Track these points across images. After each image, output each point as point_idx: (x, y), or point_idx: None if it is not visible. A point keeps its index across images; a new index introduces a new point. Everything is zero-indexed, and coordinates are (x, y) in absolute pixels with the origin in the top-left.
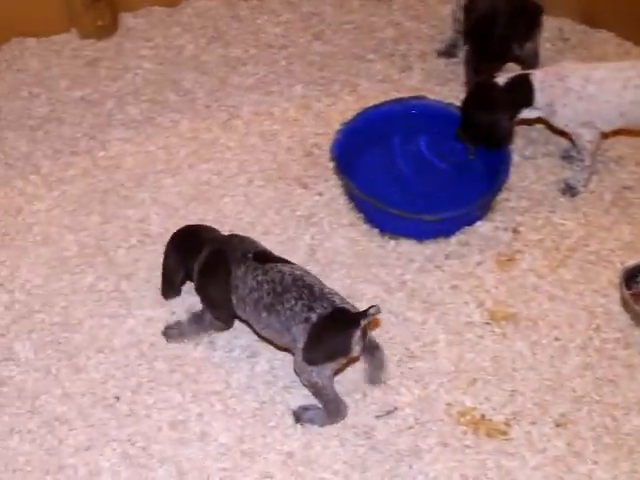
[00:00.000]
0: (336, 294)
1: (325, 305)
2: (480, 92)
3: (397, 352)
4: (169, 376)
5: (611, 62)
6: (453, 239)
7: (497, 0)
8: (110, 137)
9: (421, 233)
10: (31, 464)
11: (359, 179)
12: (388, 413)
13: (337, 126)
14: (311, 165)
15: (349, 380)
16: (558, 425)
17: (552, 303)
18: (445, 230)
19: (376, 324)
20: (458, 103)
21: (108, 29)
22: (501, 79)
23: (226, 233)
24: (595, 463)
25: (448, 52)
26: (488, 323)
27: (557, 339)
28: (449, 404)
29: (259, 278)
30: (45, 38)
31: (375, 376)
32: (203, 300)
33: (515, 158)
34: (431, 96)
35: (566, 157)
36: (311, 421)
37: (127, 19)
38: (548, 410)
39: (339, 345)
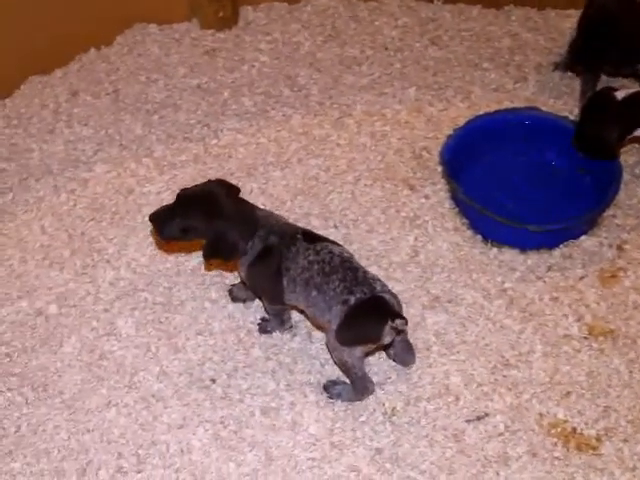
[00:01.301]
0: (379, 280)
1: (365, 290)
2: (596, 103)
3: (492, 359)
4: (264, 363)
5: None
6: (556, 251)
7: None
8: (223, 126)
9: (525, 243)
10: (125, 437)
11: (466, 185)
12: (479, 418)
13: (448, 131)
14: (419, 168)
15: (442, 384)
16: None
17: None
18: (549, 242)
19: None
20: (572, 117)
21: (228, 21)
22: (620, 93)
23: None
24: None
25: (564, 66)
26: (586, 338)
27: None
28: (541, 414)
29: (310, 258)
30: (167, 25)
31: (405, 359)
32: (252, 288)
33: (625, 176)
34: (544, 108)
35: None
36: (339, 395)
37: (247, 12)
38: None
39: (370, 331)
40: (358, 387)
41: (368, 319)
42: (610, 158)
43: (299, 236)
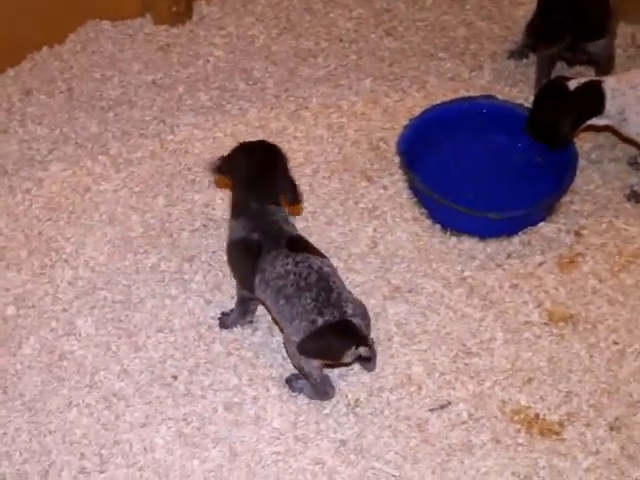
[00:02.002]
0: (352, 302)
1: (335, 313)
2: (548, 92)
3: (454, 348)
4: (226, 359)
5: None
6: (515, 239)
7: None
8: (179, 122)
9: (484, 231)
10: (87, 437)
11: (424, 174)
12: (442, 407)
13: (404, 121)
14: (376, 159)
15: (404, 374)
16: (612, 428)
17: (612, 307)
18: (508, 229)
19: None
20: (527, 104)
21: (182, 16)
22: (573, 83)
23: None
24: None
25: (519, 53)
26: (546, 324)
27: (615, 343)
28: (503, 402)
29: (288, 267)
30: (120, 22)
31: (366, 366)
32: (229, 266)
33: (581, 162)
34: (500, 96)
35: (633, 164)
36: (300, 390)
37: (201, 7)
38: (603, 413)
39: (332, 351)
40: (318, 391)
41: (332, 341)
42: (562, 147)
43: (283, 241)
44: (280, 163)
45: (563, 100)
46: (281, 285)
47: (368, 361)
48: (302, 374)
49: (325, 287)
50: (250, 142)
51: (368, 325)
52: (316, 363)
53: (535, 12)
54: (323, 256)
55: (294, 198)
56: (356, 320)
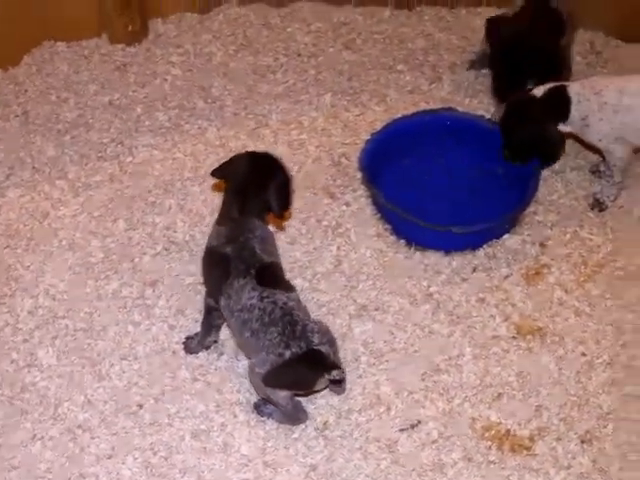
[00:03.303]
0: (318, 332)
1: (302, 345)
2: (521, 107)
3: (422, 365)
4: (192, 385)
5: None
6: (480, 252)
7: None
8: (138, 143)
9: (448, 245)
10: (52, 471)
11: (387, 190)
12: (412, 427)
13: (365, 136)
14: (338, 175)
15: (373, 394)
16: (583, 442)
17: (579, 318)
18: (472, 243)
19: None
20: (488, 115)
21: (138, 35)
22: (538, 91)
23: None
24: None
25: (478, 64)
26: (514, 337)
27: (584, 354)
28: (474, 418)
29: (253, 301)
30: (75, 42)
31: (335, 390)
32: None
33: (544, 172)
34: (460, 108)
35: (595, 171)
36: (269, 415)
37: (157, 25)
38: (573, 426)
39: (303, 382)
40: (289, 416)
41: (302, 372)
42: (561, 154)
43: (252, 272)
44: (277, 178)
45: (539, 108)
46: (246, 318)
47: (338, 385)
48: (270, 403)
49: (290, 321)
50: (254, 152)
51: (336, 352)
52: (283, 393)
53: (494, 76)
54: (291, 289)
55: (276, 209)
56: (324, 348)
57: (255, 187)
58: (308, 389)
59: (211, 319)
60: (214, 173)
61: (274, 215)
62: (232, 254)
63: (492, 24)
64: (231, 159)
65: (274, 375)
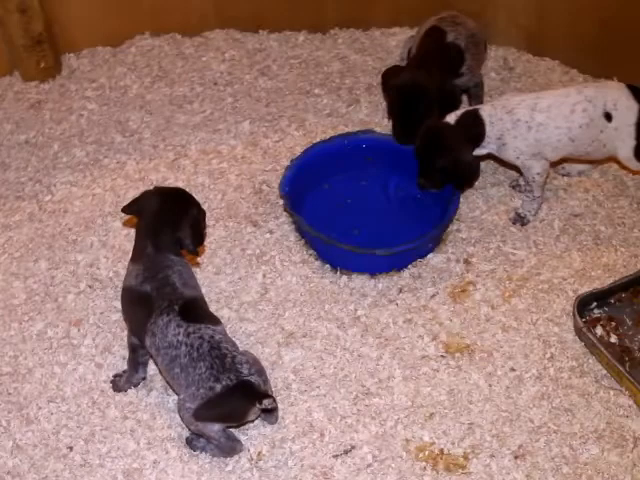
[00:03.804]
0: (247, 363)
1: (232, 377)
2: (435, 135)
3: (353, 389)
4: (122, 423)
5: (555, 89)
6: (406, 272)
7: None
8: (56, 180)
9: (373, 268)
10: None
11: (309, 215)
12: (346, 452)
13: (286, 162)
14: (261, 202)
15: (305, 421)
16: (517, 457)
17: (506, 334)
18: (397, 264)
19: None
20: None
21: (51, 70)
22: (450, 117)
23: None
24: None
25: None
26: (443, 356)
27: (512, 369)
28: (407, 440)
29: (179, 338)
30: None
31: (268, 418)
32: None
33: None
34: (379, 129)
35: (515, 186)
36: (202, 449)
37: (70, 60)
38: (506, 442)
39: (235, 413)
40: (223, 449)
41: (233, 404)
42: (472, 183)
43: (176, 308)
44: (187, 212)
45: (453, 135)
46: (174, 355)
47: (270, 414)
48: (202, 437)
49: (218, 355)
50: (163, 187)
51: (266, 381)
52: (215, 427)
53: (393, 124)
54: (216, 321)
55: (190, 247)
56: (253, 378)
57: (167, 224)
58: (240, 420)
59: (137, 357)
60: (125, 209)
61: (188, 252)
62: (153, 292)
63: (386, 76)
64: (141, 195)
65: (205, 409)
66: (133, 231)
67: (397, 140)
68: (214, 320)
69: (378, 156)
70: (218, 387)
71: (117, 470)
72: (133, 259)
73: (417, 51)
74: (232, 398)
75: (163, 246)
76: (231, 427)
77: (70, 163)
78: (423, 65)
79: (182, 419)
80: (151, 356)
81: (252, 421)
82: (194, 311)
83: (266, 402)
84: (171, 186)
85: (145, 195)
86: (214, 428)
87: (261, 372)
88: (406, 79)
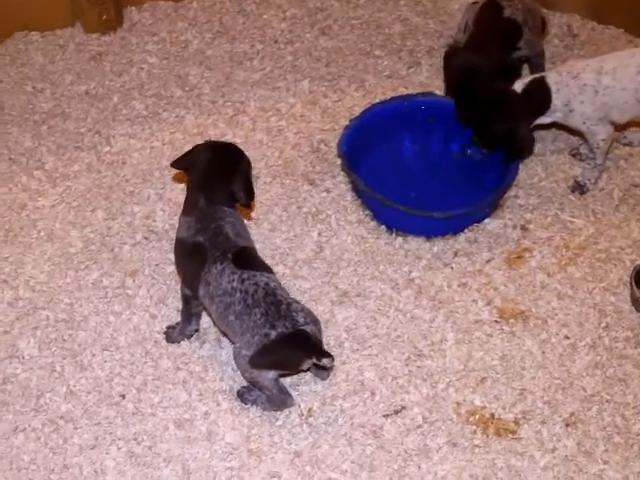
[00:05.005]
0: (302, 311)
1: (287, 325)
2: (500, 99)
3: (405, 351)
4: (175, 374)
5: (619, 51)
6: (461, 236)
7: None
8: (115, 132)
9: (429, 230)
10: (35, 463)
11: (367, 176)
12: (396, 412)
13: (344, 122)
14: (318, 161)
15: (357, 380)
16: (568, 425)
17: (561, 301)
18: (453, 227)
19: (328, 373)
20: None
21: (112, 23)
22: (518, 86)
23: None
24: (606, 463)
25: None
26: (497, 321)
27: (567, 337)
28: (458, 403)
29: (234, 284)
30: (49, 32)
31: (320, 374)
32: (175, 261)
33: None
34: (438, 92)
35: (575, 154)
36: (253, 403)
37: (132, 13)
38: (558, 409)
39: (288, 363)
40: (274, 401)
41: (288, 352)
42: (529, 155)
43: (229, 255)
44: (239, 166)
45: (517, 106)
46: (228, 302)
47: (324, 369)
48: (256, 387)
49: (273, 301)
50: (214, 141)
51: (320, 332)
52: (270, 375)
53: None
54: (269, 270)
55: (244, 199)
56: (309, 328)
57: (220, 177)
58: (294, 369)
59: (190, 308)
60: (174, 164)
61: (241, 205)
62: (206, 242)
63: (446, 57)
64: (192, 150)
65: (260, 356)
66: None
67: (458, 120)
68: (268, 269)
69: (438, 119)
70: (273, 334)
71: (168, 420)
72: (185, 212)
73: (474, 28)
74: (287, 346)
75: (216, 199)
76: (284, 376)
77: (129, 115)
78: (480, 43)
79: (238, 367)
80: (205, 308)
81: (305, 371)
82: (247, 259)
83: (325, 361)
84: (221, 141)
85: (197, 149)
86: (268, 376)
87: (316, 322)
88: (460, 63)
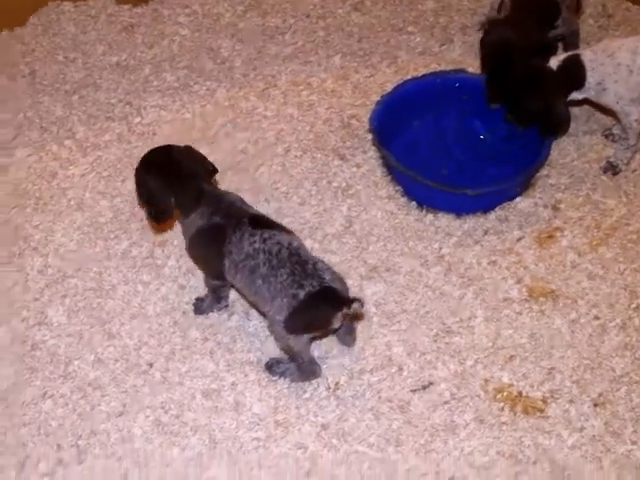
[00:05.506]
0: (328, 269)
1: (314, 283)
2: (536, 76)
3: (433, 327)
4: (202, 344)
5: None
6: (492, 215)
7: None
8: (146, 103)
9: (460, 208)
10: (64, 428)
11: (398, 151)
12: (424, 388)
13: (375, 98)
14: (349, 137)
15: (384, 355)
16: (596, 405)
17: (592, 281)
18: (484, 205)
19: (360, 318)
20: None
21: None
22: (553, 63)
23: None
24: (634, 443)
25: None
26: (526, 300)
27: (596, 318)
28: (486, 380)
29: (256, 246)
30: (82, 2)
31: (346, 340)
32: (193, 259)
33: None
34: (471, 69)
35: (608, 135)
36: (283, 374)
37: None
38: (586, 389)
39: (319, 321)
40: (304, 371)
41: (318, 310)
42: (559, 134)
43: (245, 220)
44: (187, 154)
45: (553, 81)
46: (253, 265)
47: (350, 334)
48: (290, 355)
49: (298, 260)
50: (144, 157)
51: (347, 290)
52: (305, 339)
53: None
54: (289, 231)
55: (214, 166)
56: (336, 284)
57: (193, 164)
58: (325, 327)
59: (218, 293)
60: (142, 202)
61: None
62: (222, 220)
63: (485, 33)
64: (141, 181)
65: (293, 318)
66: (220, 156)
67: (487, 99)
68: (287, 230)
69: (471, 96)
70: (302, 294)
71: (196, 389)
72: (187, 213)
73: (512, 5)
74: (316, 304)
75: (208, 182)
76: (317, 339)
77: (160, 87)
78: (519, 20)
79: (273, 335)
80: (232, 285)
81: (337, 330)
82: (264, 221)
83: (356, 306)
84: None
85: (142, 175)
86: (303, 341)
87: (342, 281)
88: (498, 39)
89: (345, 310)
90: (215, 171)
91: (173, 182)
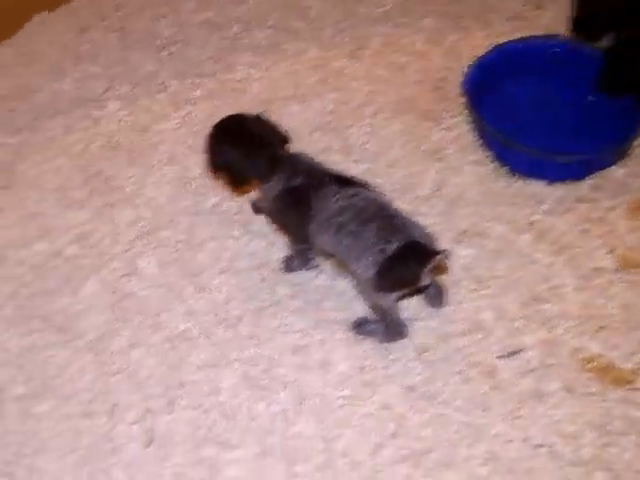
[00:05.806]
0: (416, 225)
1: (402, 238)
2: (634, 45)
3: (523, 294)
4: (290, 302)
5: None
6: (585, 183)
7: None
8: (235, 61)
9: (552, 174)
10: (153, 378)
11: (489, 116)
12: (512, 354)
13: (467, 61)
14: (439, 99)
15: (473, 320)
16: None
17: None
18: (577, 173)
19: (443, 270)
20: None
21: None
22: None
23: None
24: None
25: None
26: (618, 270)
27: None
28: (575, 349)
29: (341, 203)
30: None
31: (435, 302)
32: (277, 225)
33: None
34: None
35: None
36: (370, 334)
37: None
38: None
39: (408, 276)
40: (391, 330)
41: (406, 265)
42: None
43: (327, 179)
44: (259, 122)
45: None
46: (340, 222)
47: (439, 295)
48: (378, 313)
49: (386, 215)
50: (216, 126)
51: (434, 245)
52: (393, 297)
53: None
54: (373, 189)
55: (287, 134)
56: (424, 239)
57: (265, 131)
58: (415, 283)
59: (306, 255)
60: (216, 170)
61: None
62: (302, 181)
63: None
64: (215, 150)
65: (381, 275)
66: (310, 115)
67: (573, 29)
68: (372, 188)
69: (565, 62)
70: (389, 249)
71: (285, 345)
72: (264, 181)
73: None
74: (404, 259)
75: (279, 148)
76: (407, 296)
77: (249, 45)
78: None
79: (361, 293)
80: (319, 248)
81: (425, 288)
82: (347, 179)
83: (440, 257)
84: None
85: (221, 147)
86: (392, 298)
87: (430, 236)
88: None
89: (433, 262)
90: (288, 139)
91: (248, 150)
